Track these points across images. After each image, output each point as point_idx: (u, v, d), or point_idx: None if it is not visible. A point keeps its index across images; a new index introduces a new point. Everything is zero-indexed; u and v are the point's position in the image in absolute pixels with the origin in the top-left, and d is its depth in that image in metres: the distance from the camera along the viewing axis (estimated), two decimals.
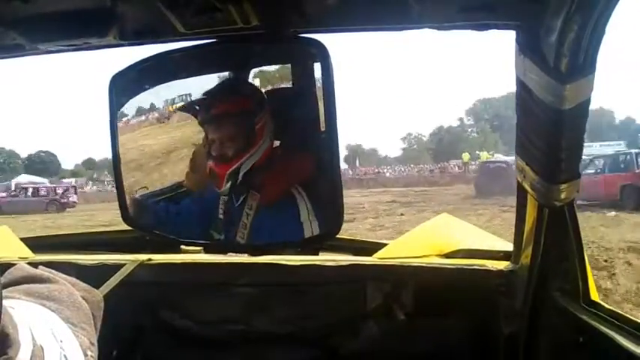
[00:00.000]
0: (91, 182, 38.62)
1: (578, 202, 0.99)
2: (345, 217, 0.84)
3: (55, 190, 24.30)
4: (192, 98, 0.90)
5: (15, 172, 42.76)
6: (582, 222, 0.99)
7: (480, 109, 49.47)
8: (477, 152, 36.02)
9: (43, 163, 46.23)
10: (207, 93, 0.89)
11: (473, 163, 32.85)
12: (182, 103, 0.92)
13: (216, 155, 0.86)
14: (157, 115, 0.95)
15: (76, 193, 25.41)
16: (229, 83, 0.90)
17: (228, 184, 0.87)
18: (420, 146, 49.86)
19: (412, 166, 40.35)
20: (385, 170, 39.28)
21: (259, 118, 0.86)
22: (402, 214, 13.71)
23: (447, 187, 25.18)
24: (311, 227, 0.86)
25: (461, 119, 50.83)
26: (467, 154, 34.81)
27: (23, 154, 48.86)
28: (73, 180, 37.14)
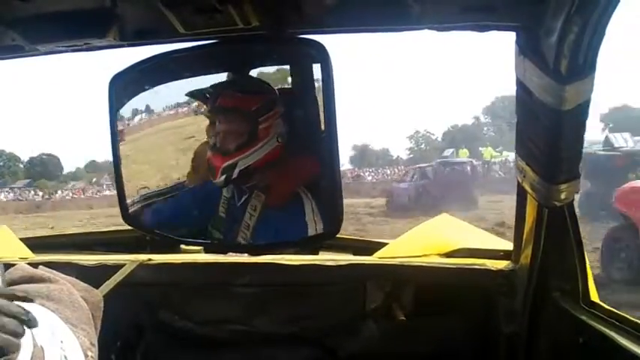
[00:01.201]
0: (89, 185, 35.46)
1: None
2: None
3: None
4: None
5: (15, 176, 40.32)
6: None
7: (498, 107, 44.96)
8: (480, 149, 28.66)
9: (43, 166, 43.37)
10: (218, 84, 0.89)
11: (476, 161, 24.83)
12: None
13: (217, 147, 0.87)
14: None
15: None
16: (241, 78, 0.90)
17: (223, 177, 0.87)
18: (428, 145, 45.63)
19: (401, 167, 34.04)
20: (367, 174, 33.00)
21: (265, 118, 0.86)
22: None
23: None
24: (315, 227, 0.86)
25: (477, 117, 46.43)
26: (465, 150, 26.88)
27: (24, 157, 45.37)
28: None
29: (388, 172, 33.46)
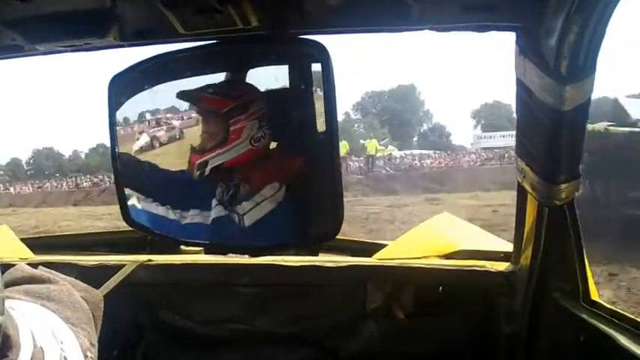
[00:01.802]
0: None
1: None
2: None
3: None
4: None
5: None
6: None
7: (367, 103, 44.87)
8: (362, 141, 24.94)
9: None
10: (199, 87, 0.91)
11: (356, 158, 23.23)
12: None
13: (197, 147, 0.90)
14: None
15: None
16: (220, 84, 0.92)
17: (198, 173, 0.90)
18: None
19: None
20: None
21: (236, 120, 0.88)
22: None
23: None
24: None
25: (347, 113, 44.56)
26: (344, 143, 21.72)
27: None
28: None
29: None
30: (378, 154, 22.75)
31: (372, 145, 21.93)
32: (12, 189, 28.03)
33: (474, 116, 41.26)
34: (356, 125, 43.64)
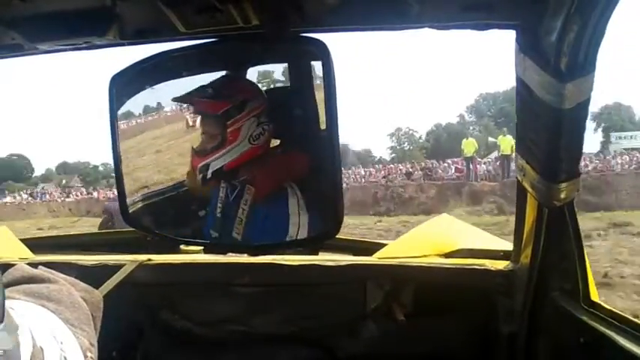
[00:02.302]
0: (59, 188, 32.28)
1: None
2: None
3: None
4: None
5: None
6: None
7: (482, 105, 43.66)
8: (491, 139, 21.93)
9: (12, 168, 39.70)
10: (194, 89, 0.91)
11: (480, 159, 19.79)
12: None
13: (197, 148, 0.90)
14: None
15: None
16: (214, 84, 0.91)
17: (200, 177, 0.90)
18: (412, 144, 40.89)
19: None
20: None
21: (233, 121, 0.88)
22: None
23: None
24: (298, 222, 0.88)
25: (461, 116, 43.78)
26: (472, 140, 18.77)
27: None
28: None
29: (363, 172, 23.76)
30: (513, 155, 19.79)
31: (506, 143, 16.71)
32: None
33: (594, 119, 37.12)
34: (471, 128, 41.53)
